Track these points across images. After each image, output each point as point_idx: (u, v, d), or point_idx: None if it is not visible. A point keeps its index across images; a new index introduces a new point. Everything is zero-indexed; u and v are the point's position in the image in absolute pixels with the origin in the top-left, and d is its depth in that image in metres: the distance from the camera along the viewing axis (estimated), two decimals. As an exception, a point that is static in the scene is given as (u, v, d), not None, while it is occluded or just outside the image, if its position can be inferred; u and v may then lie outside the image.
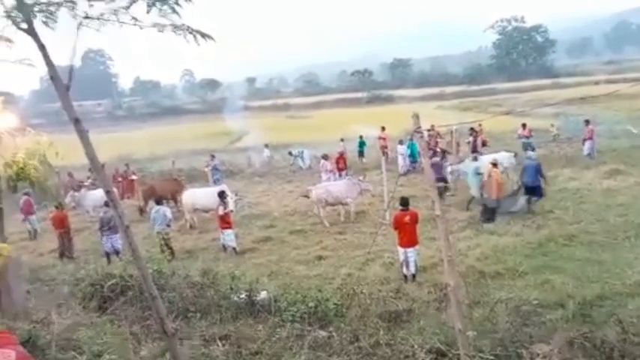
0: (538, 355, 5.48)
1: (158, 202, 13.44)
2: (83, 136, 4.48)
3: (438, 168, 13.77)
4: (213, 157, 22.44)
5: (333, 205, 15.03)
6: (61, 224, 13.59)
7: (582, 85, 56.21)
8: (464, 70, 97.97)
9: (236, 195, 15.20)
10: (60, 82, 4.36)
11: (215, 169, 21.82)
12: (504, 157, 16.40)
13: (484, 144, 21.42)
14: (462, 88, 74.88)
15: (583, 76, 75.45)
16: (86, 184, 19.10)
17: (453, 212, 14.26)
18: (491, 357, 5.39)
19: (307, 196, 15.50)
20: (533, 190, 13.44)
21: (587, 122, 20.77)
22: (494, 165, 13.68)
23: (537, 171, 13.48)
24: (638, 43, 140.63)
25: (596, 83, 56.78)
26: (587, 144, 20.18)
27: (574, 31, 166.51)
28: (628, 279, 8.45)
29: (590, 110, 32.57)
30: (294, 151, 24.80)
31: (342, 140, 23.25)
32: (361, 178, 15.57)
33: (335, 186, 15.51)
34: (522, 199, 13.55)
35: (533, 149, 15.67)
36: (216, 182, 20.31)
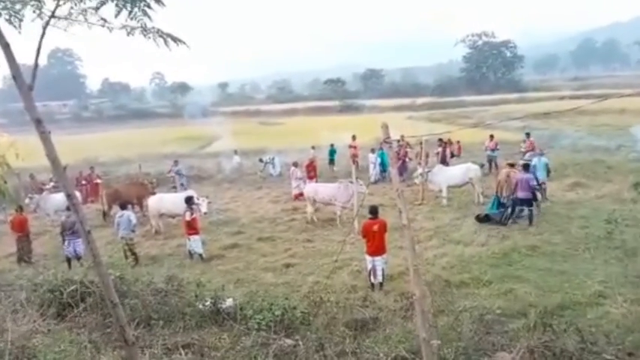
0: (500, 363, 5.58)
1: (123, 207, 13.15)
2: (45, 137, 4.33)
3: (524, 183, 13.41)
4: (176, 162, 22.28)
5: (322, 203, 15.55)
6: (21, 228, 13.16)
7: (548, 100, 57.72)
8: (435, 81, 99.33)
9: (207, 198, 15.08)
10: (22, 81, 4.21)
11: (178, 174, 21.54)
12: (471, 169, 16.70)
13: (452, 155, 21.76)
14: (433, 99, 75.79)
15: (549, 91, 77.37)
16: (48, 186, 18.54)
17: (421, 221, 14.43)
18: (455, 365, 5.45)
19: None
20: (541, 188, 14.36)
21: (527, 135, 21.00)
22: (512, 165, 14.51)
23: (546, 169, 14.70)
24: (602, 61, 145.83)
25: (562, 98, 58.28)
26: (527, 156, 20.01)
27: (541, 48, 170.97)
28: (587, 289, 8.72)
29: (555, 125, 33.53)
30: (265, 158, 24.67)
31: (313, 148, 23.23)
32: (354, 180, 14.48)
33: (324, 187, 15.98)
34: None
35: (496, 166, 16.09)
36: (181, 187, 20.07)
